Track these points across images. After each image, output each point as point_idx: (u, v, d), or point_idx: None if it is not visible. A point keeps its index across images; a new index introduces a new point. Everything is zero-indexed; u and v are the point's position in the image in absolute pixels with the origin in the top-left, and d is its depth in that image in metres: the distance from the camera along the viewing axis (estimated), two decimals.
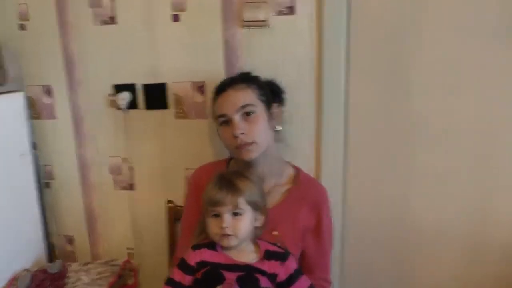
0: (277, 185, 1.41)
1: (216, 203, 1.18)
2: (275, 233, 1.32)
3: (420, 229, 1.61)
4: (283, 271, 1.21)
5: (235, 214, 1.18)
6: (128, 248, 1.83)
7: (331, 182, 1.56)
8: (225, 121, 1.33)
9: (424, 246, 1.63)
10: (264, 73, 1.45)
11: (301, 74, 1.53)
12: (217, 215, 1.19)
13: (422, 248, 1.63)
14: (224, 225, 1.17)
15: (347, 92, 1.55)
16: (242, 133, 1.29)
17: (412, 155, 1.56)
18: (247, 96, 1.32)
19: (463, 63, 1.45)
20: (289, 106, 1.52)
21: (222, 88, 1.35)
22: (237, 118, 1.30)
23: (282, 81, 1.49)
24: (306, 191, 1.40)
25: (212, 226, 1.20)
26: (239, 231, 1.18)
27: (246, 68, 1.52)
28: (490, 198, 1.53)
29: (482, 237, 1.57)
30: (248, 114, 1.31)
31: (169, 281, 1.23)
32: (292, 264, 1.24)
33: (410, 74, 1.50)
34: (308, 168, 1.54)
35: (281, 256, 1.22)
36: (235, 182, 1.20)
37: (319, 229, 1.39)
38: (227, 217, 1.18)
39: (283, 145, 1.53)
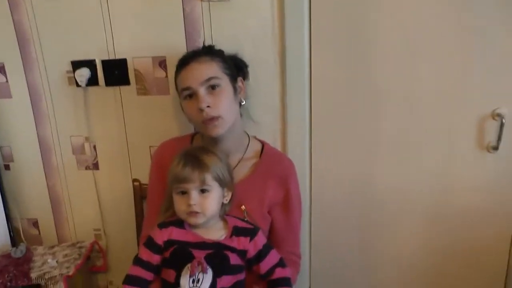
0: (243, 160, 1.40)
1: (182, 180, 1.15)
2: (243, 207, 1.31)
3: (384, 198, 1.65)
4: (252, 247, 1.21)
5: (202, 191, 1.17)
6: (95, 229, 1.79)
7: (297, 156, 1.55)
8: (189, 95, 1.30)
9: (389, 215, 1.66)
10: (226, 47, 1.42)
11: (263, 48, 1.51)
12: (184, 192, 1.17)
13: (386, 217, 1.67)
14: (192, 202, 1.15)
15: (310, 65, 1.53)
16: (207, 106, 1.25)
17: (375, 126, 1.58)
18: (212, 69, 1.29)
19: (423, 33, 1.46)
20: (252, 81, 1.50)
21: (185, 61, 1.31)
22: (202, 91, 1.27)
23: (244, 55, 1.46)
24: (272, 165, 1.40)
25: (179, 204, 1.18)
26: (207, 209, 1.17)
27: (208, 42, 1.48)
28: (450, 165, 1.57)
29: (443, 204, 1.62)
30: (213, 87, 1.28)
31: (137, 260, 1.21)
32: (261, 240, 1.24)
33: (372, 45, 1.49)
34: (273, 142, 1.54)
35: (250, 232, 1.23)
36: (202, 158, 1.18)
37: (287, 203, 1.39)
38: (194, 194, 1.16)
39: (248, 119, 1.51)
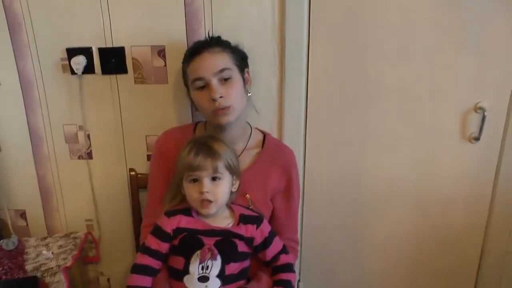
0: (246, 149, 1.42)
1: (195, 168, 1.17)
2: (247, 196, 1.34)
3: (373, 187, 1.72)
4: (259, 234, 1.25)
5: (214, 178, 1.19)
6: (86, 220, 1.77)
7: (292, 145, 1.56)
8: (200, 85, 1.31)
9: (377, 203, 1.74)
10: (226, 38, 1.42)
11: (263, 40, 1.53)
12: (195, 180, 1.19)
13: (375, 205, 1.75)
14: (205, 189, 1.17)
15: (308, 58, 1.57)
16: (220, 97, 1.27)
17: (366, 118, 1.64)
18: (224, 60, 1.31)
19: (412, 33, 1.53)
20: (251, 71, 1.51)
21: (197, 50, 1.32)
22: (214, 81, 1.28)
23: (244, 45, 1.47)
24: (275, 155, 1.43)
25: (191, 191, 1.19)
26: (219, 196, 1.19)
27: (208, 32, 1.49)
28: (435, 155, 1.67)
29: (427, 192, 1.71)
30: (225, 78, 1.29)
31: (145, 249, 1.22)
32: (266, 227, 1.28)
33: (366, 42, 1.55)
34: (269, 132, 1.55)
35: (256, 220, 1.26)
36: (213, 146, 1.19)
37: (289, 191, 1.43)
38: (207, 182, 1.18)
39: (249, 109, 1.53)
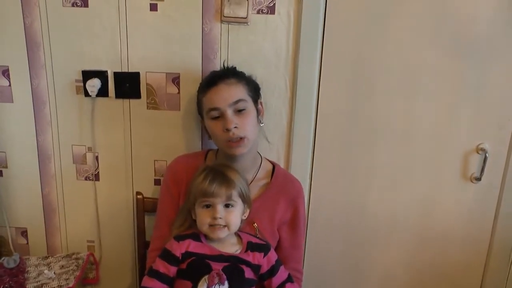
0: (255, 180, 1.45)
1: (210, 195, 1.19)
2: (255, 225, 1.36)
3: (375, 220, 1.75)
4: (266, 262, 1.27)
5: (227, 205, 1.21)
6: (88, 241, 1.76)
7: (298, 177, 1.58)
8: (215, 115, 1.34)
9: (378, 235, 1.77)
10: (240, 69, 1.46)
11: (276, 73, 1.58)
12: (209, 206, 1.21)
13: (376, 237, 1.78)
14: (218, 215, 1.19)
15: (318, 94, 1.62)
16: (235, 127, 1.30)
17: (371, 155, 1.69)
18: (239, 91, 1.34)
19: (418, 76, 1.60)
20: (263, 102, 1.55)
21: (213, 81, 1.35)
22: (230, 112, 1.31)
23: (258, 78, 1.51)
24: (283, 186, 1.45)
25: (203, 217, 1.22)
26: (232, 222, 1.21)
27: (223, 63, 1.52)
28: (436, 193, 1.71)
29: (427, 226, 1.75)
30: (240, 109, 1.33)
31: (153, 272, 1.22)
32: (273, 256, 1.30)
33: (373, 81, 1.61)
34: (277, 162, 1.58)
35: (263, 248, 1.28)
36: (228, 175, 1.23)
37: (295, 223, 1.45)
38: (220, 208, 1.20)
39: (258, 139, 1.56)
